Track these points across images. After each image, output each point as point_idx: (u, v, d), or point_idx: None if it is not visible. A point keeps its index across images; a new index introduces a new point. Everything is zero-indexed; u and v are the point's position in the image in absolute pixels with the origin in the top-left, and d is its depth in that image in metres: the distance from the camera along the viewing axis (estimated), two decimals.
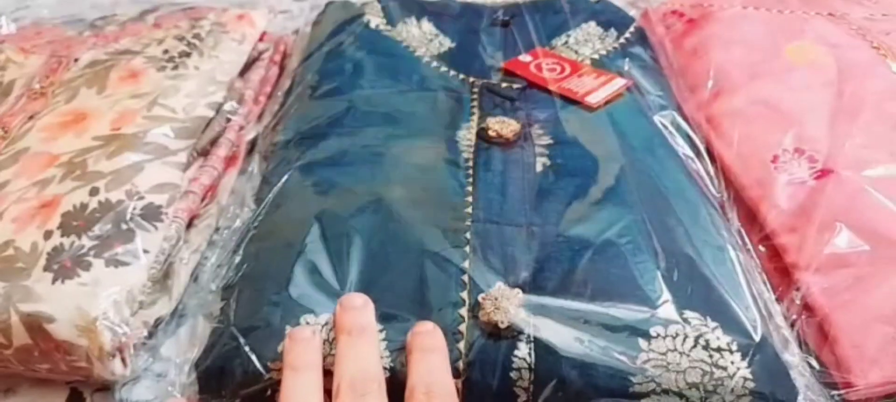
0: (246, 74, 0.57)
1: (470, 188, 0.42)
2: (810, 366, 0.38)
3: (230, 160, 0.49)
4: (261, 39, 0.60)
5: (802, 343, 0.39)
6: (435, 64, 0.54)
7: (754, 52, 0.52)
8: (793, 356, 0.37)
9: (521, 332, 0.35)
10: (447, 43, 0.57)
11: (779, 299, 0.41)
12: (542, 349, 0.34)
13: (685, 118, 0.51)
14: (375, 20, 0.58)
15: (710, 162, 0.48)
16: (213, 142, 0.49)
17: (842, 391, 0.36)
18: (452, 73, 0.54)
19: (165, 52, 0.52)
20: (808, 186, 0.43)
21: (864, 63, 0.49)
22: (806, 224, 0.41)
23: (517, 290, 0.36)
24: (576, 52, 0.56)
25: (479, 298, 0.36)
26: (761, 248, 0.43)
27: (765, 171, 0.45)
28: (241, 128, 0.52)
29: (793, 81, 0.49)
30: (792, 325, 0.39)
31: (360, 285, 0.37)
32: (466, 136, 0.47)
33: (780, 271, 0.42)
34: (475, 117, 0.49)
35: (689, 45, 0.56)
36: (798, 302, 0.39)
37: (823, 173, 0.43)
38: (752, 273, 0.41)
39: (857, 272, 0.39)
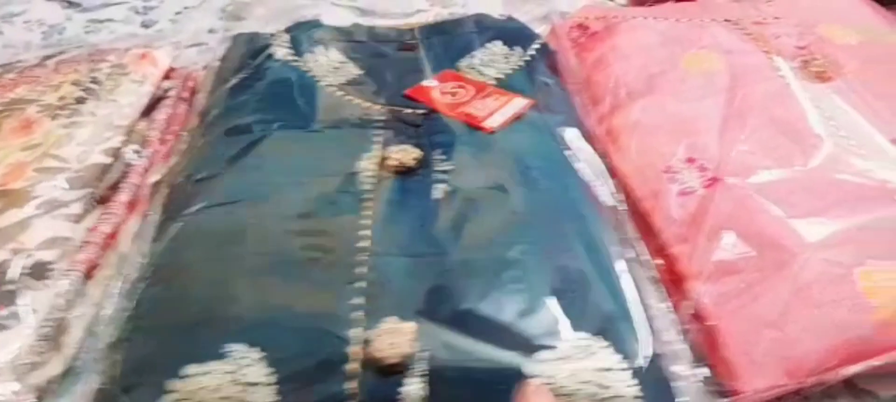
0: (152, 113, 0.56)
1: (367, 221, 0.42)
2: (704, 375, 0.39)
3: (132, 205, 0.49)
4: (168, 77, 0.60)
5: (695, 352, 0.40)
6: (340, 93, 0.54)
7: (652, 64, 0.53)
8: (684, 368, 0.38)
9: (412, 366, 0.35)
10: (354, 71, 0.57)
11: (674, 309, 0.42)
12: (434, 381, 0.34)
13: (587, 133, 0.52)
14: (281, 51, 0.58)
15: (610, 176, 0.49)
16: (114, 188, 0.49)
17: (731, 399, 0.37)
18: (357, 101, 0.54)
19: (61, 99, 0.51)
20: (698, 196, 0.44)
21: (754, 68, 0.50)
22: (696, 233, 0.42)
23: (411, 324, 0.36)
24: (481, 73, 0.56)
25: (370, 335, 0.36)
26: (658, 259, 0.44)
27: (658, 182, 0.46)
28: (146, 170, 0.51)
29: (687, 91, 0.50)
30: (685, 334, 0.40)
31: (251, 330, 0.36)
32: (367, 166, 0.47)
33: (675, 281, 0.42)
34: (378, 147, 0.48)
35: (592, 58, 0.57)
36: (689, 312, 0.40)
37: (713, 182, 0.44)
38: (647, 287, 0.42)
39: (744, 279, 0.40)
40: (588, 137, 0.51)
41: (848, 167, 0.42)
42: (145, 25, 0.77)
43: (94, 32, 0.76)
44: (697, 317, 0.40)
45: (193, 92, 0.61)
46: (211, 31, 0.73)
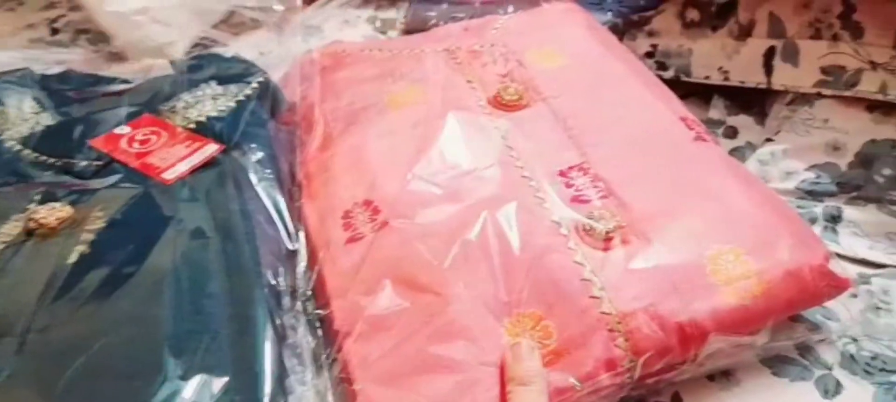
0: None
1: None
2: None
3: None
4: None
5: None
6: (17, 148, 0.49)
7: (359, 99, 0.50)
8: None
9: None
10: (45, 121, 0.52)
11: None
12: None
13: (289, 177, 0.48)
14: None
15: (298, 222, 0.45)
16: None
17: None
18: (34, 156, 0.48)
19: None
20: (366, 242, 0.40)
21: (451, 100, 0.47)
22: (356, 285, 0.39)
23: None
24: (185, 116, 0.52)
25: None
26: (326, 313, 0.40)
27: (334, 229, 0.42)
28: None
29: (382, 127, 0.47)
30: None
31: None
32: (9, 231, 0.41)
33: (335, 338, 0.38)
34: (31, 207, 0.43)
35: (313, 95, 0.54)
36: (336, 375, 0.36)
37: (382, 226, 0.40)
38: (303, 345, 0.38)
39: (395, 336, 0.36)
40: (287, 181, 0.48)
41: (509, 203, 0.40)
42: None
43: None
44: (346, 379, 0.36)
45: None
46: None
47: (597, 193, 0.40)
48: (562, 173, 0.42)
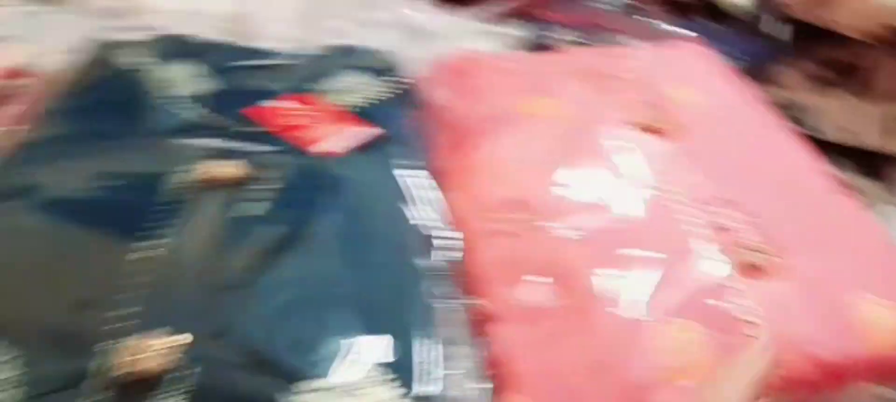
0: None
1: (166, 230, 0.40)
2: None
3: None
4: (18, 77, 0.57)
5: (489, 395, 0.38)
6: (185, 105, 0.53)
7: (500, 106, 0.53)
8: None
9: (175, 381, 0.33)
10: (209, 85, 0.56)
11: (477, 350, 0.40)
12: (193, 397, 0.33)
13: (432, 169, 0.51)
14: (139, 61, 0.56)
15: (445, 214, 0.47)
16: None
17: None
18: (202, 116, 0.52)
19: None
20: (516, 238, 0.43)
21: (594, 119, 0.50)
22: (507, 276, 0.41)
23: (179, 337, 0.35)
24: (339, 98, 0.55)
25: (137, 343, 0.34)
26: (471, 299, 0.42)
27: (482, 222, 0.44)
28: None
29: (525, 134, 0.50)
30: (482, 377, 0.39)
31: (13, 329, 0.35)
32: (183, 179, 0.45)
33: (483, 322, 0.41)
34: (200, 160, 0.47)
35: (454, 97, 0.57)
36: (487, 354, 0.39)
37: (531, 225, 0.43)
38: (451, 324, 0.40)
39: (546, 326, 0.39)
40: (433, 173, 0.50)
41: (662, 224, 0.42)
42: (25, 29, 0.74)
43: None
44: (496, 360, 0.38)
45: (46, 94, 0.58)
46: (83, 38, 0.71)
47: (747, 228, 0.42)
48: (707, 202, 0.44)
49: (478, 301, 0.42)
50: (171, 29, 0.64)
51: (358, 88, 0.57)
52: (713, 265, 0.40)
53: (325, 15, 0.79)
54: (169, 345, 0.34)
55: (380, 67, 0.59)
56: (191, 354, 0.34)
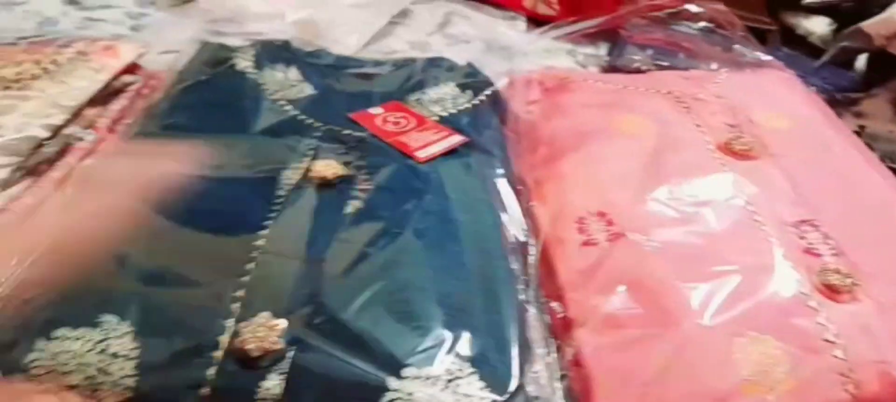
0: (109, 104, 0.58)
1: (270, 222, 0.44)
2: None
3: (62, 182, 0.50)
4: (132, 72, 0.62)
5: (570, 398, 0.40)
6: (288, 107, 0.56)
7: (588, 122, 0.55)
8: None
9: (274, 363, 0.35)
10: (308, 90, 0.59)
11: (558, 353, 0.42)
12: (293, 381, 0.35)
13: (516, 178, 0.53)
14: (243, 63, 0.60)
15: (527, 219, 0.49)
16: (51, 163, 0.50)
17: None
18: (302, 117, 0.55)
19: (18, 74, 0.53)
20: (600, 248, 0.44)
21: (681, 138, 0.51)
22: (591, 283, 0.43)
23: (281, 321, 0.37)
24: (427, 108, 0.58)
25: (240, 326, 0.37)
26: (555, 304, 0.44)
27: (568, 231, 0.46)
28: (88, 154, 0.53)
29: (613, 150, 0.51)
30: (562, 379, 0.40)
31: (125, 303, 0.37)
32: (291, 175, 0.48)
33: (566, 327, 0.43)
34: (307, 159, 0.50)
35: (539, 111, 0.59)
36: (569, 358, 0.40)
37: (616, 236, 0.45)
38: (534, 327, 0.42)
39: (628, 335, 0.40)
40: (516, 182, 0.53)
41: (744, 241, 0.43)
42: (134, 29, 0.80)
43: (84, 29, 0.79)
44: (577, 364, 0.40)
45: (154, 90, 0.63)
46: (190, 40, 0.76)
47: (828, 250, 0.43)
48: (793, 225, 0.45)
49: (561, 307, 0.44)
50: (265, 34, 0.68)
51: (446, 98, 0.59)
52: (794, 283, 0.41)
53: (408, 27, 0.83)
54: (270, 327, 0.37)
55: (466, 79, 0.62)
56: (289, 337, 0.36)
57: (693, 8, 0.71)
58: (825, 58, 0.68)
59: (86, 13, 0.82)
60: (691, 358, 0.38)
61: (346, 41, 0.73)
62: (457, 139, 0.53)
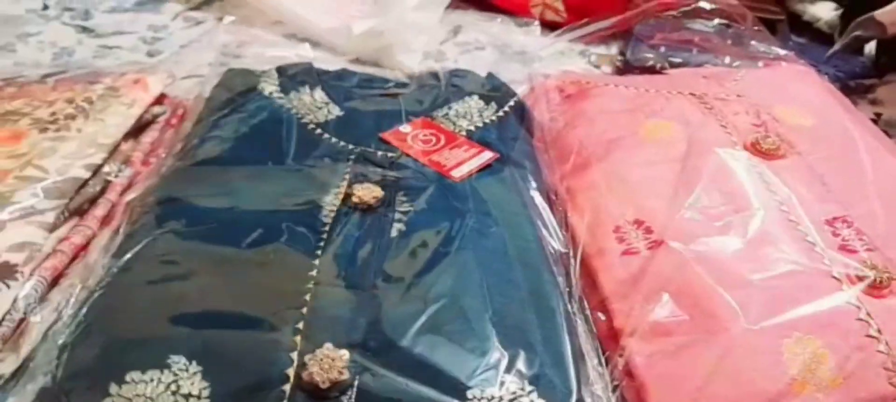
0: (139, 136, 0.59)
1: (319, 251, 0.45)
2: None
3: (107, 220, 0.51)
4: (159, 103, 0.63)
5: None
6: (318, 131, 0.57)
7: (613, 129, 0.56)
8: None
9: (343, 393, 0.37)
10: (335, 111, 0.60)
11: (607, 364, 0.43)
12: None
13: (548, 188, 0.54)
14: (269, 88, 0.61)
15: (564, 230, 0.51)
16: (93, 202, 0.51)
17: None
18: (334, 140, 0.56)
19: (52, 114, 0.54)
20: (641, 257, 0.46)
21: (709, 141, 0.53)
22: (635, 292, 0.44)
23: (344, 351, 0.38)
24: (454, 123, 0.59)
25: (306, 358, 0.38)
26: (599, 314, 0.45)
27: (606, 240, 0.47)
28: (125, 189, 0.54)
29: (643, 156, 0.52)
30: (614, 389, 0.42)
31: (193, 344, 0.38)
32: (331, 201, 0.49)
33: (612, 337, 0.44)
34: (344, 184, 0.51)
35: (563, 119, 0.60)
36: (620, 367, 0.42)
37: (656, 244, 0.46)
38: (582, 338, 0.44)
39: (675, 341, 0.41)
40: (549, 192, 0.54)
41: (782, 242, 0.44)
42: (151, 54, 0.80)
43: (101, 57, 0.80)
44: (628, 373, 0.41)
45: (182, 119, 0.64)
46: (210, 65, 0.76)
47: (863, 246, 0.44)
48: (827, 222, 0.46)
49: (606, 317, 0.45)
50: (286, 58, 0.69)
51: (472, 112, 0.60)
52: (833, 282, 0.43)
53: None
54: (335, 358, 0.38)
55: (488, 91, 0.63)
56: (354, 367, 0.37)
57: (706, 5, 0.72)
58: (837, 47, 0.69)
59: (100, 41, 0.83)
60: (740, 361, 0.40)
61: (409, 64, 0.74)
62: (488, 156, 0.54)
